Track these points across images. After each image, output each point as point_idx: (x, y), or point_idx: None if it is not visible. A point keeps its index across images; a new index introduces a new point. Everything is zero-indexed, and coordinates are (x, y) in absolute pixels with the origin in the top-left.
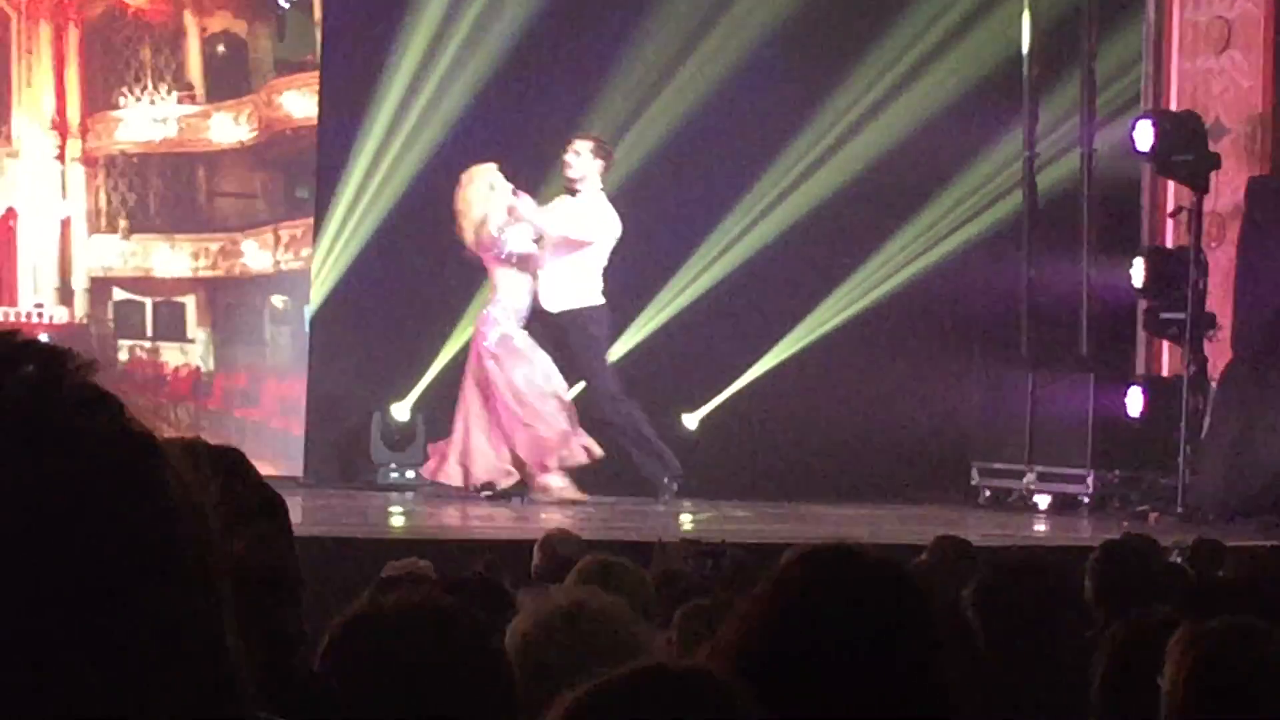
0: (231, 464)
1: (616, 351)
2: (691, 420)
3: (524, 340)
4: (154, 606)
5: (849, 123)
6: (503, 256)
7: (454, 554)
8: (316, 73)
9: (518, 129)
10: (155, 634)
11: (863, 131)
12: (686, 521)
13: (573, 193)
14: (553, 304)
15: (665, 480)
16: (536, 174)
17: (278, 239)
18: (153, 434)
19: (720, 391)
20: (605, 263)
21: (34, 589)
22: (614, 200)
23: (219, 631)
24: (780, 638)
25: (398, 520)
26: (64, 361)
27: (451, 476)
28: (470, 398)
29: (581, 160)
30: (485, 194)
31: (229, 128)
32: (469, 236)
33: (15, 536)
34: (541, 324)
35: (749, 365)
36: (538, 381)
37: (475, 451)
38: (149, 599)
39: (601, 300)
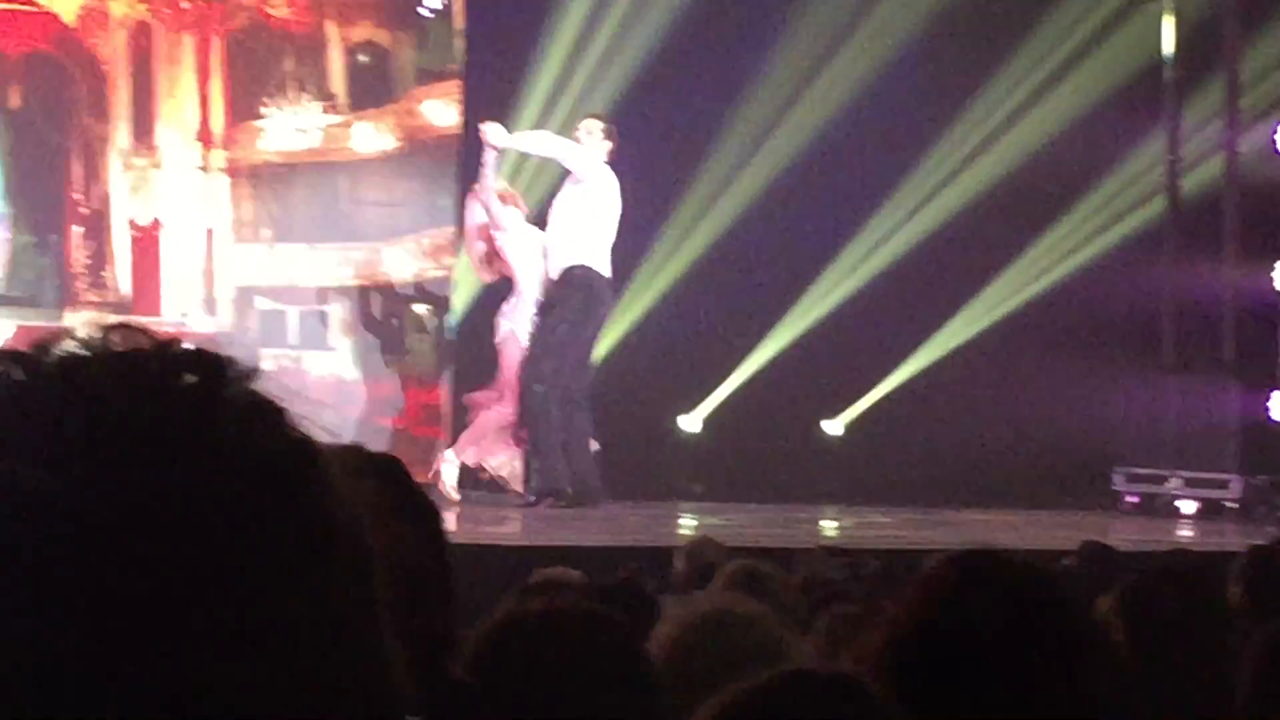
0: (387, 471)
1: (759, 359)
2: (835, 426)
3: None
4: (313, 614)
5: (990, 128)
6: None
7: (598, 561)
8: (458, 81)
9: (660, 135)
10: (316, 640)
11: (1004, 137)
12: (830, 528)
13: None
14: (558, 265)
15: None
16: (681, 180)
17: (420, 247)
18: (312, 442)
19: (862, 397)
20: (613, 238)
21: (196, 598)
22: (759, 207)
23: (378, 638)
24: (926, 643)
25: (541, 527)
26: (224, 370)
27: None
28: None
29: (592, 139)
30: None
31: (371, 137)
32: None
33: (179, 549)
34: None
35: (891, 371)
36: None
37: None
38: (308, 607)
39: (608, 273)
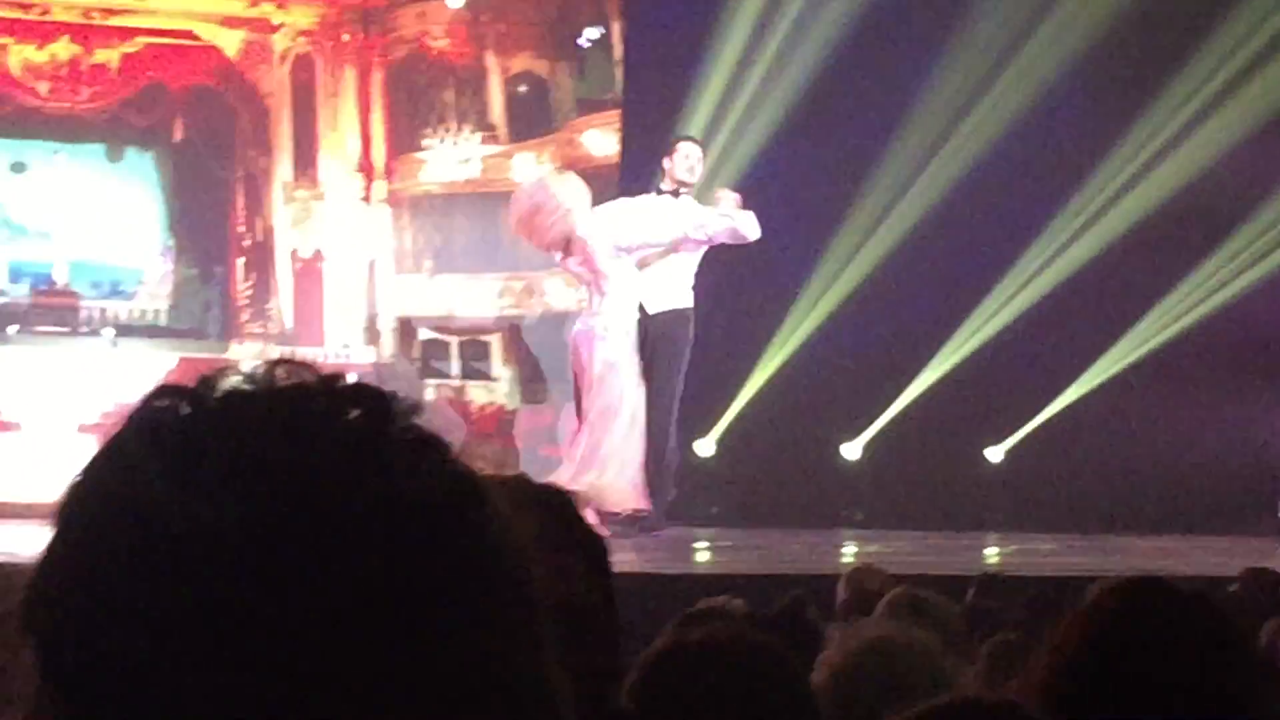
0: (552, 502)
1: (920, 385)
2: (996, 453)
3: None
4: (479, 649)
5: (1153, 150)
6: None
7: (759, 589)
8: (617, 111)
9: (819, 163)
10: (482, 675)
11: (1165, 161)
12: (992, 554)
13: (676, 194)
14: (654, 305)
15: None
16: (839, 207)
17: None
18: (477, 477)
19: (1025, 424)
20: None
21: (362, 636)
22: (921, 232)
23: (542, 672)
24: (1091, 671)
25: (703, 556)
26: (388, 406)
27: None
28: None
29: (698, 164)
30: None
31: (531, 167)
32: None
33: (345, 587)
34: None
35: (1053, 397)
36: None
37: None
38: (473, 642)
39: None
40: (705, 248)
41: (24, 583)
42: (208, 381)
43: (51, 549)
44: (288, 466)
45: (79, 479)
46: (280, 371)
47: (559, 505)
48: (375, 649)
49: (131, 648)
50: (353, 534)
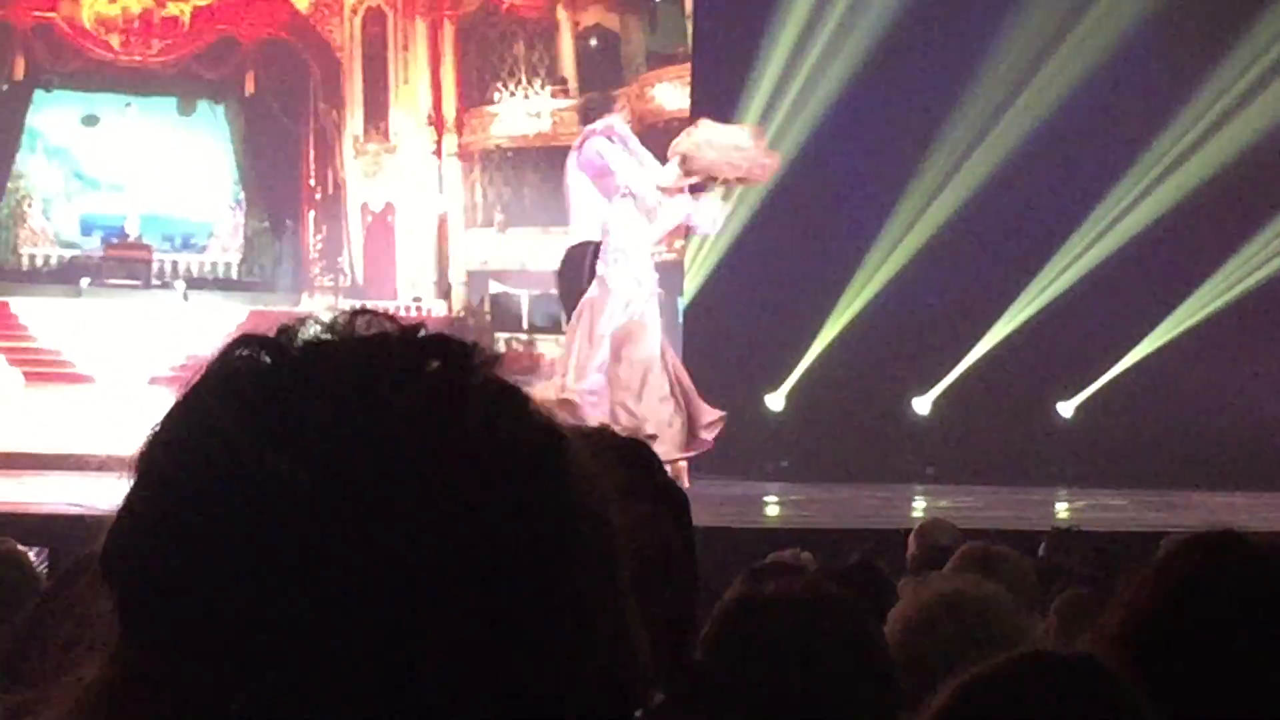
0: (632, 454)
1: (990, 342)
2: (1067, 409)
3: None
4: (561, 597)
5: (1223, 108)
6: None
7: (830, 543)
8: (688, 64)
9: (886, 121)
10: (563, 622)
11: (1238, 117)
12: (1063, 510)
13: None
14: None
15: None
16: (909, 163)
17: None
18: (559, 427)
19: (1095, 380)
20: None
21: (447, 583)
22: (988, 192)
23: (622, 620)
24: (1165, 625)
25: (772, 510)
26: (470, 356)
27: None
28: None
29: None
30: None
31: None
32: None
33: (429, 536)
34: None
35: (1123, 354)
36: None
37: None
38: (555, 590)
39: None
40: None
41: (102, 533)
42: (288, 331)
43: (130, 500)
44: (369, 416)
45: (158, 430)
46: (360, 322)
47: (639, 456)
48: (457, 596)
49: (212, 597)
50: (435, 483)
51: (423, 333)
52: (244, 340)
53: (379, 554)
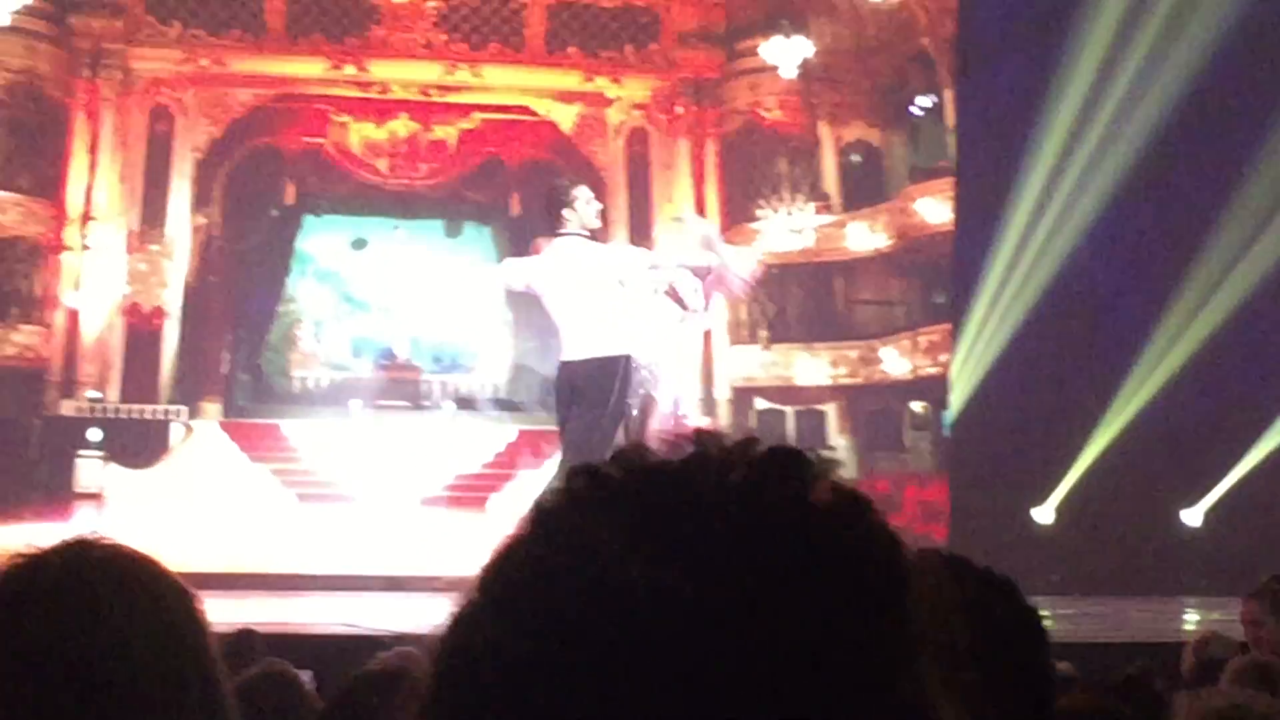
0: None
1: (1262, 451)
2: None
3: None
4: (902, 710)
5: None
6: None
7: (1099, 657)
8: (951, 178)
9: (1153, 228)
10: None
11: None
12: None
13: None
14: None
15: None
16: (1175, 272)
17: (915, 345)
18: (900, 540)
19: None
20: None
21: (800, 691)
22: (1258, 293)
23: None
24: None
25: (1045, 623)
26: (807, 464)
27: None
28: None
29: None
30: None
31: (865, 236)
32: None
33: (784, 645)
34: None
35: None
36: None
37: None
38: (898, 702)
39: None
40: None
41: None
42: (640, 450)
43: (476, 619)
44: (725, 531)
45: (507, 550)
46: (707, 442)
47: (1002, 584)
48: (811, 704)
49: (591, 714)
50: (791, 597)
51: (759, 448)
52: (589, 467)
53: (742, 658)
